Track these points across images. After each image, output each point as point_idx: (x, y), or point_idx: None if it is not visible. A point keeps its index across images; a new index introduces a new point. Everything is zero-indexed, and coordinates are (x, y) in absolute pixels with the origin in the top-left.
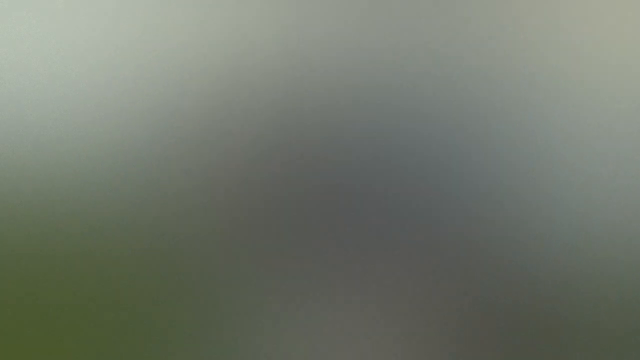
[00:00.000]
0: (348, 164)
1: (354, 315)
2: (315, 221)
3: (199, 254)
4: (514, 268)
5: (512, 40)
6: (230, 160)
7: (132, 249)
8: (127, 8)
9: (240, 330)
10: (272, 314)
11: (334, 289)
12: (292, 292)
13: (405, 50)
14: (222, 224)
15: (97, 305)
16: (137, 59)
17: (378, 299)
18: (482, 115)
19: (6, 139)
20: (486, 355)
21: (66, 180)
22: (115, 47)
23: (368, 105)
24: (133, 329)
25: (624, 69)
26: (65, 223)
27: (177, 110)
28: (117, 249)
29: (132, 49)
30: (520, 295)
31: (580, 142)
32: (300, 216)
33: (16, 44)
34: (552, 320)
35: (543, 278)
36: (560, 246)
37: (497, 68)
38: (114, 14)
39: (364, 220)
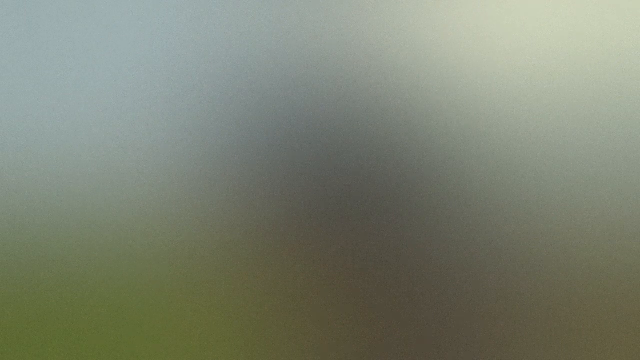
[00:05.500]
0: (349, 164)
1: (354, 315)
2: (316, 221)
3: (200, 254)
4: (514, 268)
5: (512, 41)
6: (231, 160)
7: (133, 249)
8: (130, 8)
9: (240, 330)
10: (271, 314)
11: (334, 288)
12: (290, 292)
13: (406, 50)
14: (224, 225)
15: (97, 306)
16: (137, 59)
17: (378, 299)
18: (483, 115)
19: (7, 138)
20: (486, 355)
21: (67, 180)
22: (116, 48)
23: (368, 105)
24: (133, 329)
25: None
26: (66, 223)
27: (177, 111)
28: (118, 249)
29: (134, 49)
30: (521, 295)
31: (580, 142)
32: (300, 216)
33: (15, 45)
34: (552, 320)
35: (543, 278)
36: (560, 246)
37: (498, 68)
38: (114, 15)
39: (364, 221)
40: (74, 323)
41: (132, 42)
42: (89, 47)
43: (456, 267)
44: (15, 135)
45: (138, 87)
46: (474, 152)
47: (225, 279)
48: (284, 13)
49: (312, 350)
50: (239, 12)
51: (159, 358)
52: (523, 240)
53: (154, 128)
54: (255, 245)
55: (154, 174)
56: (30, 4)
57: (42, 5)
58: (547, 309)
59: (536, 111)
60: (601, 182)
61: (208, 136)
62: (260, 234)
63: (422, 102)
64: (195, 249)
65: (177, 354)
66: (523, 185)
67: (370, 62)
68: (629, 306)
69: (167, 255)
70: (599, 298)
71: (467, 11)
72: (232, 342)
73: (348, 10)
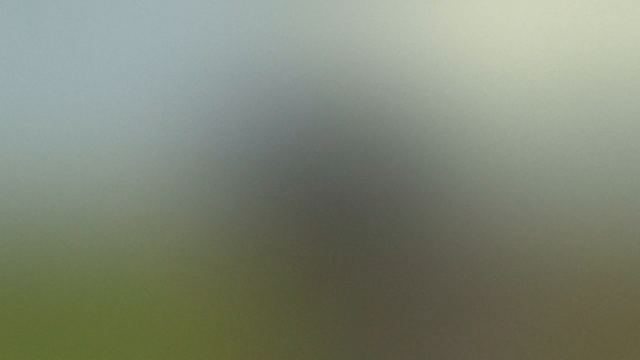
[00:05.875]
0: (348, 165)
1: (354, 316)
2: (316, 222)
3: (200, 254)
4: (514, 268)
5: (512, 41)
6: (231, 161)
7: (133, 249)
8: (129, 7)
9: (240, 331)
10: (271, 314)
11: (334, 288)
12: (291, 292)
13: (406, 50)
14: (224, 225)
15: (97, 306)
16: (137, 59)
17: (378, 300)
18: (483, 115)
19: (8, 139)
20: (486, 355)
21: (67, 180)
22: (116, 48)
23: (367, 105)
24: (133, 329)
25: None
26: (67, 224)
27: (177, 111)
28: (118, 249)
29: (134, 49)
30: (520, 295)
31: (580, 142)
32: (300, 217)
33: (16, 45)
34: (552, 320)
35: (543, 278)
36: (560, 246)
37: (499, 68)
38: (114, 14)
39: (364, 221)
40: (73, 323)
41: (132, 42)
42: (89, 47)
43: (456, 267)
44: (15, 135)
45: (138, 87)
46: (474, 152)
47: (225, 279)
48: (284, 13)
49: (311, 350)
50: (239, 12)
51: (159, 358)
52: (523, 240)
53: (154, 128)
54: (255, 245)
55: (154, 174)
56: (30, 4)
57: (42, 5)
58: (547, 309)
59: (536, 111)
60: (601, 182)
61: (208, 136)
62: (260, 234)
63: (422, 102)
64: (195, 249)
65: (177, 354)
66: (523, 185)
67: (370, 62)
68: (629, 306)
69: (167, 256)
70: (599, 298)
71: (467, 11)
72: (232, 342)
73: (348, 10)
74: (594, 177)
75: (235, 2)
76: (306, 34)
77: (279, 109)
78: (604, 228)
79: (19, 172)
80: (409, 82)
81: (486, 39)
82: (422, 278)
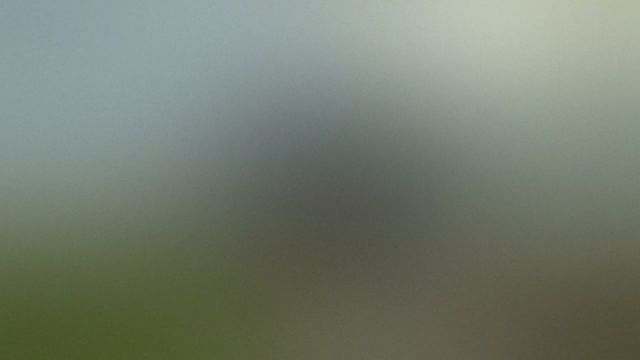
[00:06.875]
0: (348, 163)
1: (354, 316)
2: (316, 222)
3: (201, 254)
4: (514, 268)
5: (513, 41)
6: (232, 161)
7: (134, 249)
8: (129, 7)
9: (240, 331)
10: (271, 314)
11: (334, 288)
12: (291, 292)
13: (406, 50)
14: (224, 225)
15: (97, 306)
16: (138, 59)
17: (379, 300)
18: (483, 117)
19: (8, 140)
20: (486, 356)
21: (68, 180)
22: (116, 48)
23: (368, 105)
24: (134, 329)
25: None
26: (68, 225)
27: (178, 111)
28: (118, 250)
29: (134, 49)
30: (520, 295)
31: (580, 142)
32: (301, 217)
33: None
34: (552, 320)
35: (543, 278)
36: (560, 246)
37: (498, 68)
38: (115, 14)
39: (364, 220)
40: (73, 324)
41: (132, 42)
42: (90, 47)
43: (456, 267)
44: (15, 135)
45: (138, 88)
46: (474, 152)
47: (225, 279)
48: (284, 13)
49: (311, 350)
50: (239, 12)
51: (159, 358)
52: (523, 240)
53: (155, 128)
54: (254, 245)
55: (154, 175)
56: (31, 4)
57: (43, 5)
58: (547, 309)
59: (536, 111)
60: (601, 182)
61: (208, 136)
62: (260, 234)
63: (422, 102)
64: (195, 249)
65: (177, 354)
66: (523, 185)
67: (370, 62)
68: (629, 306)
69: (166, 256)
70: (599, 298)
71: (467, 11)
72: (232, 342)
73: (348, 10)
74: (594, 177)
75: (236, 2)
76: (306, 34)
77: (279, 109)
78: (604, 228)
79: (19, 172)
80: (408, 81)
81: (486, 39)
82: (422, 278)
